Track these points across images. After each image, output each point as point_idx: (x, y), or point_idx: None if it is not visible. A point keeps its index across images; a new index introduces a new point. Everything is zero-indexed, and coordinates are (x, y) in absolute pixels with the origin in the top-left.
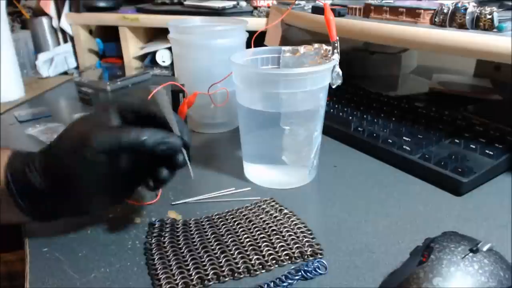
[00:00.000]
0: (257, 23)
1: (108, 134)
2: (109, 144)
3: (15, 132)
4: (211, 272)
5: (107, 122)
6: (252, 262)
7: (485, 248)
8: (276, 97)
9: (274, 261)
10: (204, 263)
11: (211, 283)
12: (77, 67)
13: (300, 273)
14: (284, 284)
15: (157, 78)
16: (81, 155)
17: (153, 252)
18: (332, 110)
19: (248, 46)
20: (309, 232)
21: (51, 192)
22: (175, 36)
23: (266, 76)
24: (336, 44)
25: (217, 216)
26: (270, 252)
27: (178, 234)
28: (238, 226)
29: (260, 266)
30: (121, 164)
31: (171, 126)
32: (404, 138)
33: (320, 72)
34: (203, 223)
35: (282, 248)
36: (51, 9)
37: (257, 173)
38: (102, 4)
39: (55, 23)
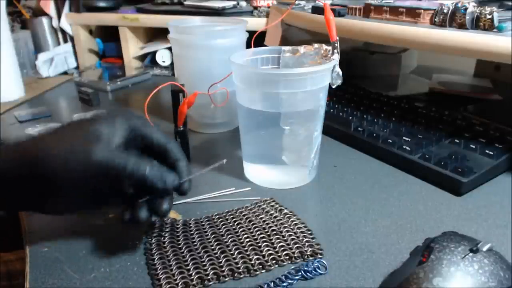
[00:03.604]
0: (257, 23)
1: (110, 156)
2: (106, 166)
3: (15, 132)
4: (211, 272)
5: (111, 139)
6: (252, 262)
7: (485, 248)
8: (276, 97)
9: (274, 261)
10: (204, 263)
11: (211, 283)
12: (77, 67)
13: (300, 273)
14: (284, 284)
15: (157, 78)
16: (73, 168)
17: (153, 252)
18: (332, 110)
19: (248, 46)
20: (309, 232)
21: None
22: (175, 36)
23: (266, 76)
24: (336, 44)
25: (217, 216)
26: (270, 252)
27: (178, 234)
28: (238, 226)
29: (260, 266)
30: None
31: (179, 168)
32: (404, 138)
33: (320, 72)
34: (203, 223)
35: (282, 248)
36: (51, 9)
37: (257, 173)
38: (102, 4)
39: (55, 23)
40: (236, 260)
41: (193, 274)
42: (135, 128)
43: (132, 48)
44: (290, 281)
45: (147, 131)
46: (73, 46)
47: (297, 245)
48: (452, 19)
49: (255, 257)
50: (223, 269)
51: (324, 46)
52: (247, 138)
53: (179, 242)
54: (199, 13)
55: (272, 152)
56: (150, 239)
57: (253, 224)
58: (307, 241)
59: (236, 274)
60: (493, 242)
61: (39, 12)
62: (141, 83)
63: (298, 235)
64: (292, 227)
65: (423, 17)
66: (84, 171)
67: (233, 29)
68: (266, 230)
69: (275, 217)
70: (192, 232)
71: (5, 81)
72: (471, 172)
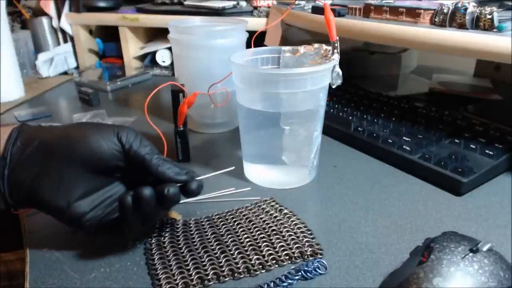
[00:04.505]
0: (257, 23)
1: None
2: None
3: None
4: (211, 272)
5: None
6: (252, 262)
7: (485, 248)
8: (276, 97)
9: (274, 261)
10: (204, 263)
11: (211, 283)
12: (77, 67)
13: (300, 273)
14: (284, 284)
15: (157, 78)
16: (110, 138)
17: (153, 252)
18: (332, 110)
19: (248, 46)
20: (309, 232)
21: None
22: (175, 36)
23: (266, 76)
24: (336, 44)
25: (217, 216)
26: (270, 252)
27: (178, 234)
28: (238, 226)
29: (260, 266)
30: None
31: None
32: (404, 138)
33: (320, 72)
34: (203, 223)
35: (282, 248)
36: (51, 9)
37: (257, 173)
38: (102, 4)
39: (55, 23)
40: (236, 260)
41: (193, 274)
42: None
43: (132, 48)
44: (290, 281)
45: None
46: (73, 46)
47: (297, 245)
48: (452, 19)
49: (255, 257)
50: (223, 269)
51: (324, 46)
52: (247, 138)
53: (179, 242)
54: (199, 13)
55: (272, 152)
56: (150, 239)
57: (253, 224)
58: (307, 241)
59: (236, 274)
60: (493, 242)
61: (39, 12)
62: (141, 83)
63: (298, 235)
64: (292, 227)
65: (423, 17)
66: (119, 144)
67: (233, 29)
68: (266, 230)
69: (275, 217)
70: (192, 232)
71: (5, 81)
72: (471, 172)
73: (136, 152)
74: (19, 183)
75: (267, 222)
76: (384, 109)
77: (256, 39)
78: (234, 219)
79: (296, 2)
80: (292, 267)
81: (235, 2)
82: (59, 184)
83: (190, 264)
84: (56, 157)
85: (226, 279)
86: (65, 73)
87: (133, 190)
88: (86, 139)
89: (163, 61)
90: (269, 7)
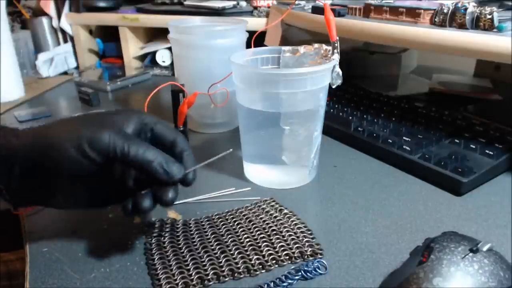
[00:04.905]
0: (257, 23)
1: (118, 138)
2: (114, 147)
3: None
4: (211, 272)
5: (122, 126)
6: (252, 262)
7: (485, 248)
8: (276, 97)
9: (274, 261)
10: (204, 263)
11: (211, 283)
12: (77, 67)
13: (300, 273)
14: (284, 284)
15: (157, 78)
16: (78, 147)
17: (153, 252)
18: (332, 110)
19: (248, 46)
20: (309, 232)
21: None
22: (175, 36)
23: (266, 76)
24: (336, 44)
25: (217, 216)
26: (270, 252)
27: (178, 234)
28: (238, 226)
29: (260, 266)
30: (108, 171)
31: (185, 158)
32: (404, 138)
33: (320, 72)
34: (203, 223)
35: (282, 248)
36: (51, 9)
37: (257, 173)
38: (102, 4)
39: (55, 23)
40: (236, 260)
41: (193, 274)
42: (145, 121)
43: (132, 48)
44: (290, 281)
45: (157, 124)
46: (73, 46)
47: (297, 245)
48: (452, 19)
49: (255, 257)
50: (223, 269)
51: (324, 46)
52: (247, 138)
53: (179, 242)
54: (199, 13)
55: (272, 152)
56: (150, 239)
57: (253, 224)
58: (307, 241)
59: (236, 274)
60: (493, 242)
61: (39, 12)
62: (141, 83)
63: (298, 235)
64: (292, 227)
65: (423, 17)
66: (91, 153)
67: (233, 29)
68: (266, 230)
69: (275, 217)
70: (192, 232)
71: (5, 81)
72: (471, 172)
73: (127, 160)
74: (25, 203)
75: (267, 222)
76: (384, 109)
77: (256, 39)
78: (234, 219)
79: (296, 2)
80: (292, 267)
81: (235, 2)
82: (67, 198)
83: (190, 264)
84: (46, 177)
85: (226, 279)
86: (65, 73)
87: (133, 199)
88: (54, 159)
89: (163, 61)
90: (269, 7)
